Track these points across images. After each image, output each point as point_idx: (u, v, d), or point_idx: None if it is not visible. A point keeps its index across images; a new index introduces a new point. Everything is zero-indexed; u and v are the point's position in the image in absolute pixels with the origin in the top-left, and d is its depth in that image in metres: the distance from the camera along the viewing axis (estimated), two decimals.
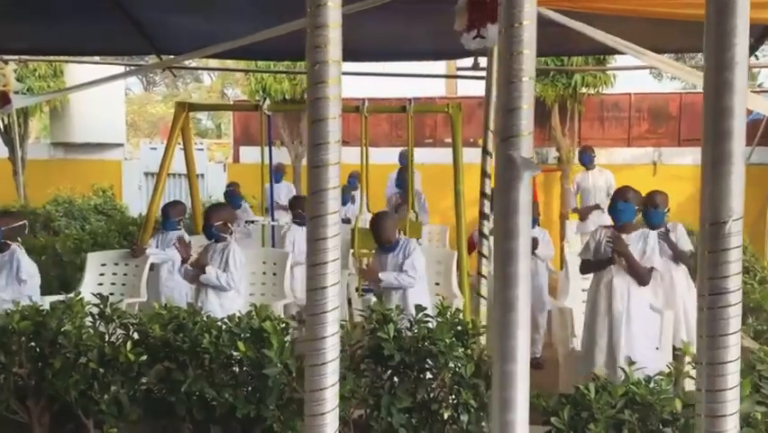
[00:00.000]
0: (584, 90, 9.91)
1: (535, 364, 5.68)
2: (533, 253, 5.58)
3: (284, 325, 3.14)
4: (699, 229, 1.20)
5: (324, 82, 1.25)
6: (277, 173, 8.99)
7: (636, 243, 3.97)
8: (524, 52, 1.20)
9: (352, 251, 6.11)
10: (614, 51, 6.28)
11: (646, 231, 4.08)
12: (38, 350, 3.41)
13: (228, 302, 4.38)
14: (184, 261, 4.64)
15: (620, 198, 4.09)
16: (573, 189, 7.97)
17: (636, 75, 7.53)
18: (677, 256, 4.62)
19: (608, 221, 4.49)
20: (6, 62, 9.15)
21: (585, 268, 4.26)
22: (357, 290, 6.18)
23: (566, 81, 9.83)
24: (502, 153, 1.22)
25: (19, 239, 4.82)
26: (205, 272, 4.43)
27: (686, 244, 4.66)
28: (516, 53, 1.20)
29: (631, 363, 2.90)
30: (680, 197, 7.38)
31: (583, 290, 4.84)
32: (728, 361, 1.16)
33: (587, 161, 7.86)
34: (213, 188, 12.73)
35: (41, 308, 3.50)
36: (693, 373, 2.78)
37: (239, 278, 4.52)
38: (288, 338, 3.05)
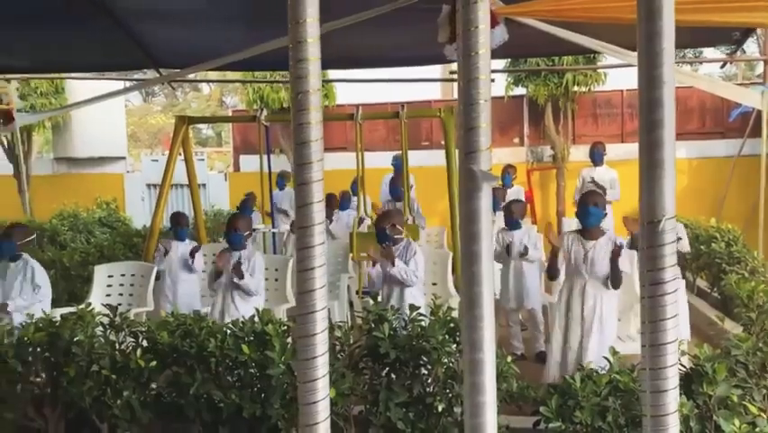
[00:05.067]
0: (576, 88, 10.07)
1: (541, 358, 5.83)
2: (522, 259, 5.72)
3: (285, 327, 3.30)
4: (639, 227, 1.36)
5: (306, 109, 1.42)
6: (281, 180, 9.15)
7: (606, 246, 4.10)
8: (480, 78, 1.36)
9: (351, 255, 6.28)
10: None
11: (614, 236, 4.21)
12: (52, 360, 3.57)
13: (254, 306, 4.58)
14: (219, 273, 4.80)
15: (591, 202, 4.17)
16: (579, 183, 8.08)
17: (628, 71, 7.66)
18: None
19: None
20: (9, 81, 9.36)
21: (551, 273, 4.37)
22: (357, 292, 6.36)
23: (558, 80, 9.99)
24: (464, 167, 1.39)
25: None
26: (243, 276, 4.66)
27: (684, 246, 4.79)
28: (473, 79, 1.37)
29: (615, 352, 3.06)
30: (676, 189, 7.51)
31: None
32: (667, 342, 1.32)
33: (597, 157, 7.94)
34: (215, 198, 12.91)
35: (53, 319, 3.67)
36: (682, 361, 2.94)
37: (263, 283, 4.88)
38: (289, 340, 3.21)
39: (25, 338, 3.53)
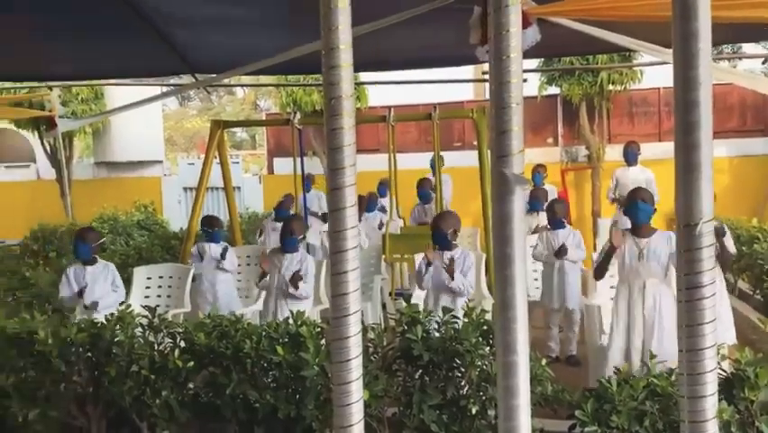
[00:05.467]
0: (611, 87, 9.92)
1: (572, 361, 5.77)
2: (559, 257, 5.66)
3: (319, 329, 3.33)
4: (676, 230, 1.34)
5: (339, 115, 1.43)
6: (306, 183, 9.22)
7: (664, 244, 4.03)
8: (512, 81, 1.36)
9: (384, 256, 6.30)
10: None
11: (667, 233, 4.14)
12: (94, 360, 3.67)
13: (303, 307, 4.66)
14: (264, 274, 4.96)
15: (639, 197, 4.12)
16: (612, 184, 7.97)
17: (665, 69, 7.53)
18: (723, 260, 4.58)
19: None
20: (51, 88, 9.65)
21: (597, 273, 4.29)
22: (390, 294, 6.37)
23: (592, 79, 9.86)
24: (496, 170, 1.39)
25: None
26: (297, 287, 4.79)
27: (731, 247, 4.68)
28: (504, 82, 1.37)
29: (652, 356, 3.01)
30: (716, 189, 7.33)
31: (611, 287, 4.93)
32: (706, 347, 1.30)
33: (631, 157, 7.78)
34: (249, 200, 13.08)
35: (95, 320, 3.77)
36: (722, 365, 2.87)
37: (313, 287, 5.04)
38: (323, 342, 3.24)
39: (68, 339, 3.63)
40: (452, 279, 4.42)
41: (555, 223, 5.81)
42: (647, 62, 8.29)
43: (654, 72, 9.79)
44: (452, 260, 4.47)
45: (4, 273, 6.96)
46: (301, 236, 5.08)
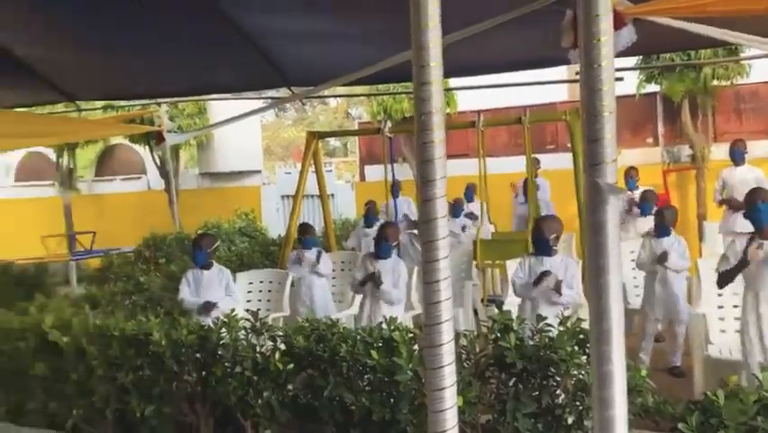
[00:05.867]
0: (716, 82, 9.37)
1: (675, 372, 5.50)
2: (663, 264, 5.40)
3: (411, 335, 3.38)
4: None
5: (429, 129, 1.48)
6: (395, 189, 9.32)
7: None
8: (603, 89, 1.36)
9: (475, 262, 6.28)
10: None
11: None
12: (202, 360, 3.90)
13: (396, 312, 4.82)
14: (364, 281, 5.12)
15: (758, 198, 3.86)
16: (719, 185, 7.54)
17: None
18: None
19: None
20: (159, 105, 10.33)
21: (722, 281, 4.00)
22: (482, 300, 6.34)
23: (695, 75, 9.35)
24: (589, 179, 1.39)
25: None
26: (379, 286, 4.94)
27: None
28: (596, 90, 1.36)
29: (764, 368, 2.83)
30: None
31: (719, 295, 4.67)
32: None
33: (737, 156, 7.33)
34: (342, 207, 13.39)
35: (203, 323, 4.02)
36: None
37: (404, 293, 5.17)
38: (416, 347, 3.29)
39: (179, 340, 3.89)
40: (560, 294, 4.31)
41: (662, 230, 5.56)
42: (755, 55, 7.75)
43: (764, 65, 9.15)
44: (559, 282, 4.32)
45: (120, 278, 7.52)
46: (395, 243, 5.18)
